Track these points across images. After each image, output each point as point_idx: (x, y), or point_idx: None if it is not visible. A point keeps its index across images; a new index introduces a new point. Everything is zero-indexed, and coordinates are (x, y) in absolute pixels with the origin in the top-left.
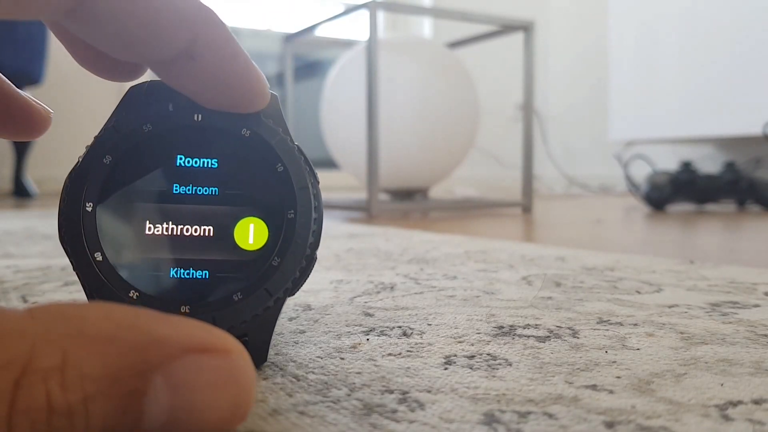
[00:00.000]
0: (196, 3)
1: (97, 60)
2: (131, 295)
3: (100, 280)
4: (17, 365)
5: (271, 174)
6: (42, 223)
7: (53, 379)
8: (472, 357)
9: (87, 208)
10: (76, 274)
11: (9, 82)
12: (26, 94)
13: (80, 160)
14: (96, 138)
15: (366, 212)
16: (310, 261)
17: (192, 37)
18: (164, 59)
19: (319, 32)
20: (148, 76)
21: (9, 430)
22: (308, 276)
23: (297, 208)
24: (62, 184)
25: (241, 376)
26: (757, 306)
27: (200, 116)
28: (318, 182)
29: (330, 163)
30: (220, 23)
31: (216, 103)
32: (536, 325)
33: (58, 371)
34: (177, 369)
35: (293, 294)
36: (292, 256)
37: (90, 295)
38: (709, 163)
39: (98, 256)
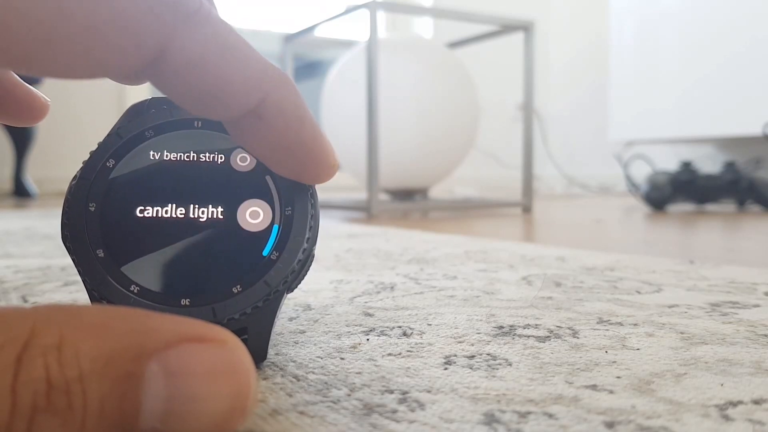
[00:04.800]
0: (268, 64)
1: None
2: (132, 289)
3: (101, 275)
4: (19, 342)
5: (269, 173)
6: (42, 223)
7: (51, 355)
8: (472, 357)
9: (90, 208)
10: (78, 271)
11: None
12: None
13: (85, 162)
14: (100, 143)
15: (366, 212)
16: (308, 256)
17: (262, 96)
18: (233, 116)
19: (319, 32)
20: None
21: (13, 401)
22: (307, 272)
23: (294, 205)
24: (62, 185)
25: (238, 365)
26: (757, 306)
27: (200, 123)
28: None
29: None
30: (291, 85)
31: (283, 167)
32: (536, 325)
33: (56, 349)
34: (173, 356)
35: (292, 290)
36: (290, 250)
37: (92, 291)
38: (709, 163)
39: (100, 253)
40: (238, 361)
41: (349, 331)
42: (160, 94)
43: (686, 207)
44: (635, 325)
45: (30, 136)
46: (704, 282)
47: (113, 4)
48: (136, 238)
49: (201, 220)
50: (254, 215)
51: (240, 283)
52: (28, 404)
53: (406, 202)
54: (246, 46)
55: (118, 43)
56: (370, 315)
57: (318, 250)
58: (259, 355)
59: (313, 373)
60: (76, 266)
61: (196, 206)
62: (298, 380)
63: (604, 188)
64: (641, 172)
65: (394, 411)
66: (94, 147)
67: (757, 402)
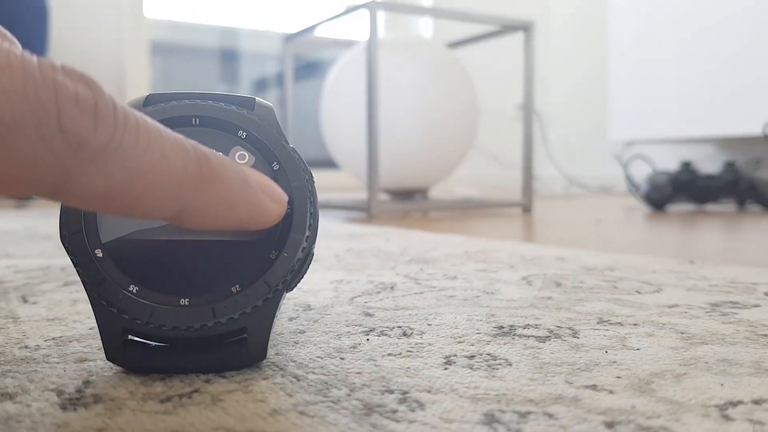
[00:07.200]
0: (188, 171)
1: None
2: (131, 289)
3: (100, 275)
4: None
5: (268, 172)
6: (42, 223)
7: None
8: (472, 357)
9: None
10: (77, 270)
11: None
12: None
13: None
14: None
15: (366, 212)
16: (308, 255)
17: (179, 208)
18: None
19: (319, 32)
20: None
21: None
22: (306, 271)
23: (293, 204)
24: None
25: None
26: (757, 306)
27: (198, 120)
28: (313, 180)
29: (330, 163)
30: (209, 188)
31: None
32: (536, 325)
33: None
34: None
35: (291, 289)
36: (289, 249)
37: (90, 291)
38: (709, 163)
39: (98, 253)
40: None
41: (349, 331)
42: (158, 91)
43: (686, 207)
44: (635, 325)
45: None
46: (704, 282)
47: (8, 141)
48: (135, 238)
49: None
50: None
51: (239, 282)
52: None
53: (406, 202)
54: (161, 161)
55: (10, 178)
56: (370, 315)
57: (318, 250)
58: (258, 353)
59: (313, 373)
60: (75, 266)
61: None
62: (298, 380)
63: (604, 188)
64: (641, 172)
65: (394, 411)
66: None
67: (757, 402)
